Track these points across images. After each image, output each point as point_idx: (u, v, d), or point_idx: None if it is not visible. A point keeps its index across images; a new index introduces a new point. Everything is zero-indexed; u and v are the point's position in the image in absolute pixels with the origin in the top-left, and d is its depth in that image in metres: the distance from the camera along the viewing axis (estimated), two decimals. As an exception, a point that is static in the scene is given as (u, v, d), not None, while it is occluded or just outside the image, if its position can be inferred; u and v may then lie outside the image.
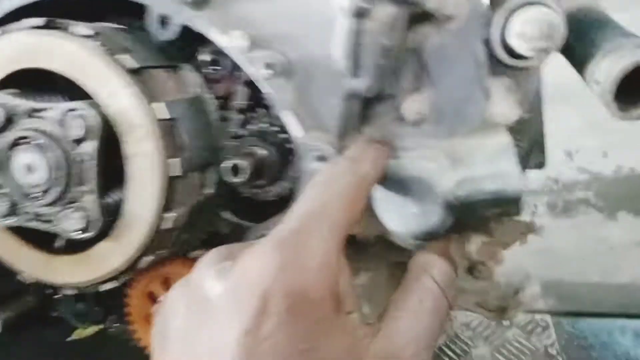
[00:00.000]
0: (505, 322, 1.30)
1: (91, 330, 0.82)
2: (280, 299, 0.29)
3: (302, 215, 0.34)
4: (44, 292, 0.75)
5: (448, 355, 1.32)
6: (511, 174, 0.46)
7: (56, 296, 0.74)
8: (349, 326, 0.33)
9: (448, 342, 1.30)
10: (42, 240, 0.60)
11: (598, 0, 0.59)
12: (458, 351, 1.32)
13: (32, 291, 0.74)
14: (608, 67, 0.46)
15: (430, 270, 0.43)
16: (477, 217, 0.51)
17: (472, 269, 0.63)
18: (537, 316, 1.31)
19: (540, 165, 0.63)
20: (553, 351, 1.25)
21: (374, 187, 0.43)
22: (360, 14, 0.47)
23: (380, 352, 0.35)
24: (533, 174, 1.94)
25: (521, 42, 0.44)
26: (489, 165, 0.47)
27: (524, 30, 0.43)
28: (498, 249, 0.59)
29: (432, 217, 0.49)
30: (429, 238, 0.51)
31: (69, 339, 0.82)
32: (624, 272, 1.39)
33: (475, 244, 0.56)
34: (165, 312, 0.35)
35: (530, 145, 0.59)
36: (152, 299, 0.72)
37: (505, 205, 0.47)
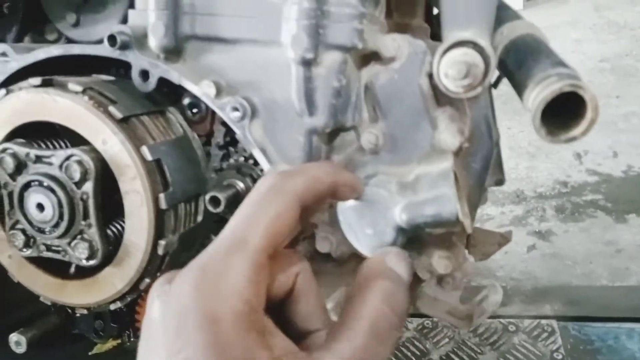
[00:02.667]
0: (511, 328, 1.33)
1: (110, 344, 0.91)
2: (193, 318, 0.32)
3: (224, 241, 0.37)
4: (66, 311, 0.84)
5: (456, 362, 1.34)
6: (448, 198, 0.51)
7: (76, 315, 0.83)
8: (257, 353, 0.34)
9: (455, 349, 1.34)
10: (56, 266, 0.69)
11: (538, 28, 0.64)
12: (465, 357, 1.34)
13: (55, 311, 0.83)
14: (534, 97, 0.51)
15: (377, 290, 0.41)
16: (426, 236, 0.56)
17: (441, 281, 0.68)
18: (543, 321, 1.32)
19: (500, 182, 0.68)
20: (559, 356, 1.27)
21: (307, 202, 0.41)
22: (306, 62, 0.53)
23: None
24: (542, 178, 1.94)
25: (448, 81, 0.49)
26: (430, 190, 0.53)
27: (447, 71, 0.48)
28: (460, 262, 0.64)
29: (386, 238, 0.54)
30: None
31: (90, 353, 0.91)
32: (633, 274, 1.39)
33: (435, 258, 0.61)
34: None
35: (484, 165, 0.64)
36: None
37: (446, 225, 0.53)
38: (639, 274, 1.37)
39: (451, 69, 0.48)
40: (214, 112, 0.64)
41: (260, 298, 0.36)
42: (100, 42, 0.67)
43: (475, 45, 0.50)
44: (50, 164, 0.61)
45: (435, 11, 0.84)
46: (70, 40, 0.72)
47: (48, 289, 0.68)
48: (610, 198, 1.69)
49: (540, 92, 0.51)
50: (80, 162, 0.59)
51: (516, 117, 1.88)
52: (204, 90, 0.58)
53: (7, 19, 0.73)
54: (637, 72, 2.44)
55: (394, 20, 0.72)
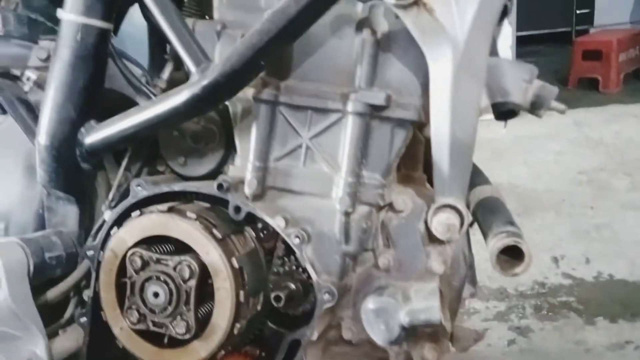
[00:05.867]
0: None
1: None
2: None
3: None
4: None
5: None
6: (435, 309, 0.79)
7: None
8: None
9: None
10: (151, 337, 0.95)
11: (499, 191, 0.95)
12: None
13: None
14: (492, 245, 0.81)
15: None
16: (420, 332, 0.84)
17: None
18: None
19: (473, 294, 0.96)
20: None
21: None
22: (347, 213, 0.84)
23: None
24: (522, 278, 2.19)
25: (437, 233, 0.79)
26: (423, 302, 0.81)
27: (436, 228, 0.79)
28: (444, 351, 0.90)
29: (393, 332, 0.82)
30: (394, 345, 0.84)
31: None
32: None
33: (426, 348, 0.88)
34: None
35: (461, 283, 0.92)
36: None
37: (433, 326, 0.80)
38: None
39: (439, 227, 0.79)
40: (277, 233, 0.94)
41: None
42: (200, 177, 0.99)
43: (455, 208, 0.80)
44: (167, 264, 0.89)
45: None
46: (176, 173, 1.03)
47: (148, 355, 0.94)
48: (581, 301, 1.94)
49: (495, 243, 0.81)
50: (189, 266, 0.88)
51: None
52: (277, 223, 0.88)
53: (134, 156, 1.05)
54: (610, 186, 2.78)
55: (401, 172, 1.03)
